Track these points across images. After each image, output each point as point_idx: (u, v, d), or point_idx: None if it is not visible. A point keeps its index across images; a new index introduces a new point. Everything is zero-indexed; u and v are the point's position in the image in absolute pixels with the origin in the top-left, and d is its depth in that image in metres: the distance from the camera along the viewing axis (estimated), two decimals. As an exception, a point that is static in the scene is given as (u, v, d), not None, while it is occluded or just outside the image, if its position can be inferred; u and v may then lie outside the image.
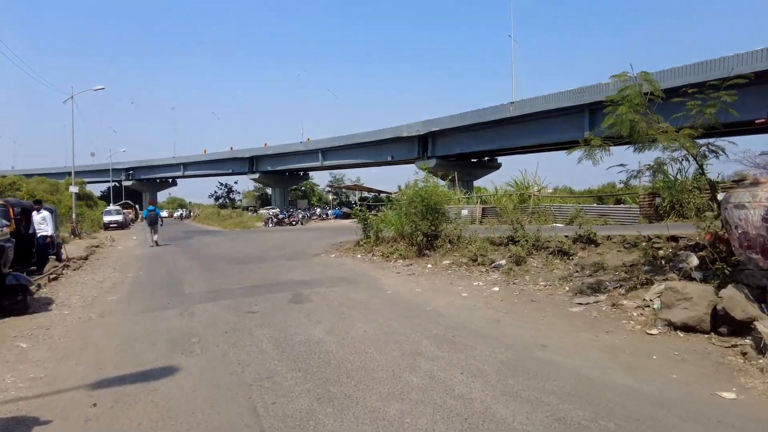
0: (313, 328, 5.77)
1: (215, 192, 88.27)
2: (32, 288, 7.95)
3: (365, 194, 46.28)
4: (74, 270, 11.64)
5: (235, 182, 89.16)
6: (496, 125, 38.58)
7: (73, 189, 27.84)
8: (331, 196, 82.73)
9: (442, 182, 16.21)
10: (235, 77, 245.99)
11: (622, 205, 17.54)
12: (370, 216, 14.22)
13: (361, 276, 9.74)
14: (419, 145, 45.85)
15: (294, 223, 36.54)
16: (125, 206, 51.66)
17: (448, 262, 10.60)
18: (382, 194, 42.34)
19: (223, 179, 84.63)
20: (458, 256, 10.84)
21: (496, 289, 8.01)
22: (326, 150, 56.12)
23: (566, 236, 9.92)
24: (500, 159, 48.65)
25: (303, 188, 79.73)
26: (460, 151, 43.12)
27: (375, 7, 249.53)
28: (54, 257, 13.80)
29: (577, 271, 8.63)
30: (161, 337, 5.55)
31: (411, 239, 12.19)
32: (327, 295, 7.75)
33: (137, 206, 63.49)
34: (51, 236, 11.18)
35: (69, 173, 63.76)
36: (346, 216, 36.73)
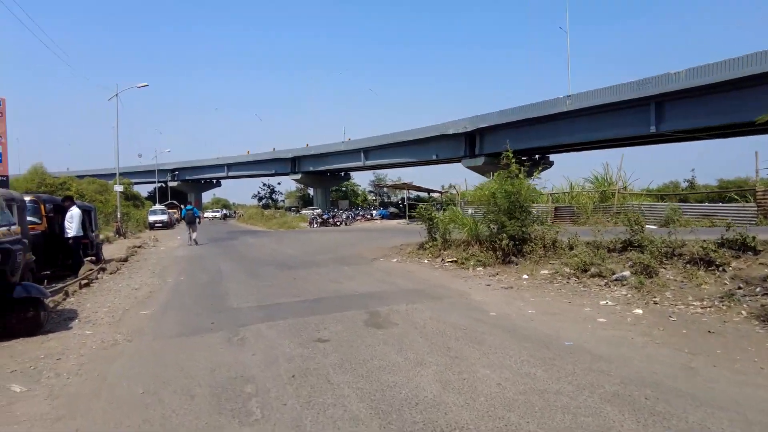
0: (415, 373, 3.96)
1: (258, 192, 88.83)
2: (48, 301, 6.54)
3: (407, 194, 44.37)
4: (110, 274, 10.36)
5: (278, 183, 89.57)
6: (549, 120, 35.88)
7: (118, 188, 27.40)
8: (371, 196, 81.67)
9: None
10: (277, 77, 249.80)
11: (732, 204, 14.97)
12: (438, 216, 12.33)
13: (442, 288, 7.88)
14: (466, 143, 43.51)
15: (338, 223, 35.21)
16: (170, 206, 51.97)
17: (547, 272, 8.59)
18: (431, 193, 40.27)
19: (266, 180, 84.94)
20: (558, 264, 8.81)
21: (639, 311, 5.98)
22: (368, 149, 54.62)
23: (704, 240, 7.76)
24: (552, 156, 45.74)
25: (344, 188, 78.86)
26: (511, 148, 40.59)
27: (414, 6, 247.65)
28: (93, 258, 12.69)
29: (740, 287, 6.48)
30: (202, 383, 3.88)
31: (491, 243, 10.24)
32: (412, 316, 5.94)
33: (182, 206, 63.97)
34: (76, 237, 9.90)
35: (120, 173, 65.47)
36: (393, 216, 35.09)
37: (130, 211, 41.69)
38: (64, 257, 10.15)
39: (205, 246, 18.47)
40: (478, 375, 3.91)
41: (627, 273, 7.59)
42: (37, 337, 5.32)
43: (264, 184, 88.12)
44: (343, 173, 70.25)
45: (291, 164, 64.16)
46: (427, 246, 12.08)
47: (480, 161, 42.53)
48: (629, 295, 6.83)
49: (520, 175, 10.24)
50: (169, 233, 30.82)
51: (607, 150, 41.86)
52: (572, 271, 8.26)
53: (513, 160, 10.33)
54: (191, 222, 19.66)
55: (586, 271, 8.03)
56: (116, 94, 26.78)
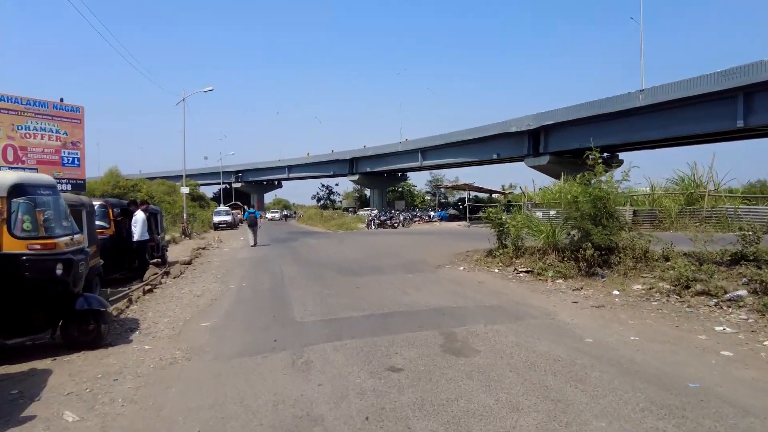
0: (512, 422, 3.25)
1: (317, 193, 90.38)
2: (112, 308, 6.40)
3: (467, 195, 43.12)
4: (174, 278, 10.35)
5: (336, 184, 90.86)
6: (620, 116, 33.67)
7: (184, 190, 28.37)
8: (428, 197, 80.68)
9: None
10: (336, 80, 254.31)
11: None
12: (509, 220, 11.41)
13: (522, 305, 7.06)
14: (529, 141, 41.72)
15: (396, 225, 34.72)
16: (234, 207, 53.61)
17: (640, 287, 7.54)
18: (492, 194, 38.91)
19: (325, 181, 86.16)
20: (653, 279, 7.73)
21: (774, 344, 4.92)
22: (426, 149, 53.82)
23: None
24: (621, 155, 42.82)
25: (400, 189, 78.41)
26: (578, 146, 38.17)
27: (472, 7, 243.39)
28: (158, 261, 12.89)
29: None
30: (264, 421, 3.37)
31: (572, 252, 9.24)
32: (494, 341, 5.20)
33: (245, 207, 66.09)
34: (141, 241, 9.97)
35: (186, 175, 68.67)
36: (452, 218, 34.10)
37: (195, 212, 43.40)
38: (131, 260, 10.27)
39: (267, 247, 18.53)
40: (590, 429, 3.15)
41: (743, 292, 6.43)
42: (97, 351, 5.09)
43: (323, 185, 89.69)
44: (399, 174, 69.84)
45: (349, 165, 64.55)
46: (497, 253, 11.20)
47: (544, 160, 40.70)
48: (751, 321, 5.72)
49: (607, 177, 9.16)
50: (233, 234, 31.59)
51: (683, 147, 38.71)
52: (671, 287, 7.17)
53: (599, 161, 9.25)
54: (253, 224, 20.15)
55: (688, 287, 6.92)
56: (183, 99, 27.79)
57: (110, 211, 9.49)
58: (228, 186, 77.02)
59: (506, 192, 41.74)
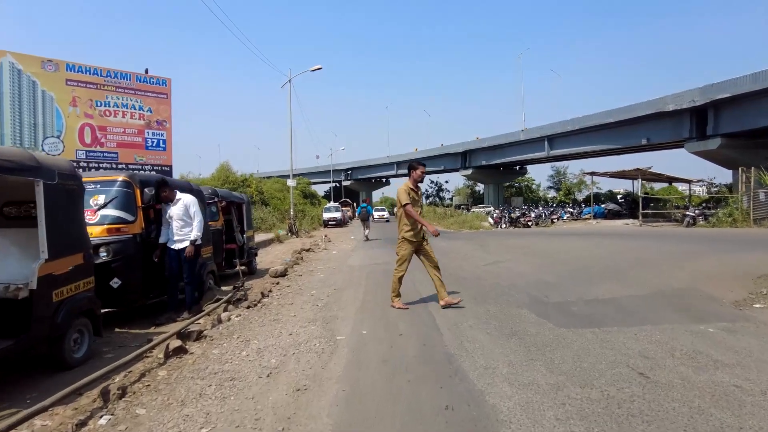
0: None
1: (426, 190, 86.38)
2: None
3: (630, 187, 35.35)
4: (248, 308, 6.11)
5: (446, 181, 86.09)
6: None
7: (291, 182, 25.47)
8: (551, 194, 72.58)
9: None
10: (446, 69, 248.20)
11: None
12: None
13: None
14: (692, 122, 32.76)
15: (529, 223, 28.77)
16: (344, 204, 51.55)
17: None
18: (673, 183, 31.07)
19: (434, 177, 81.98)
20: None
21: None
22: (552, 137, 46.45)
23: None
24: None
25: (516, 184, 71.42)
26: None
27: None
28: (244, 269, 9.03)
29: None
30: None
31: None
32: None
33: (354, 204, 64.52)
34: (188, 248, 5.80)
35: (299, 174, 68.98)
36: (613, 215, 27.19)
37: (306, 209, 41.40)
38: (166, 278, 6.12)
39: (386, 249, 14.19)
40: None
41: None
42: None
43: (432, 182, 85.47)
44: (518, 167, 62.97)
45: (461, 159, 59.29)
46: None
47: (714, 143, 31.59)
48: None
49: None
50: (343, 231, 28.16)
51: None
52: None
53: None
54: (365, 219, 20.53)
55: None
56: (289, 80, 24.78)
57: (137, 190, 5.51)
58: (338, 184, 76.67)
59: (702, 181, 33.04)
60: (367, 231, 20.13)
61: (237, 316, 5.56)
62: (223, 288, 7.80)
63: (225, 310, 5.91)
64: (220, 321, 5.32)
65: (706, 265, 7.80)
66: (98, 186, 5.50)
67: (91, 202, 5.34)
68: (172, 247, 5.84)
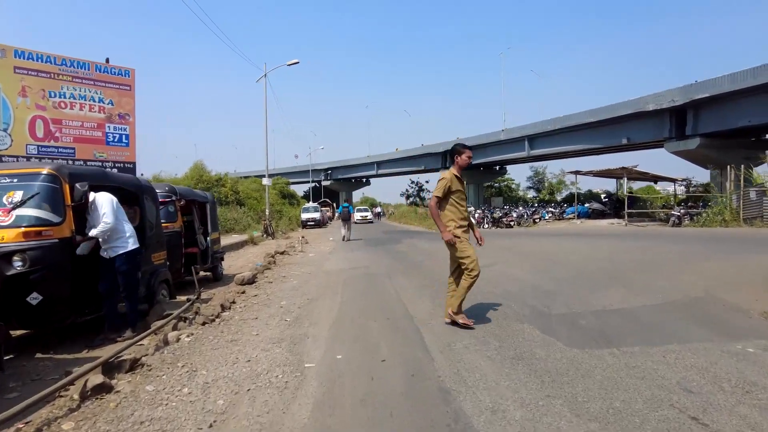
0: None
1: (406, 190, 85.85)
2: None
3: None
4: (205, 324, 5.20)
5: (426, 181, 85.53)
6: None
7: (267, 181, 24.40)
8: (531, 194, 72.86)
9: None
10: (427, 69, 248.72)
11: None
12: None
13: None
14: (672, 121, 32.89)
15: (512, 224, 28.34)
16: (323, 204, 50.49)
17: None
18: (658, 182, 31.06)
19: (415, 177, 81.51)
20: None
21: None
22: (533, 137, 46.54)
23: None
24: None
25: (496, 185, 71.54)
26: (748, 122, 28.98)
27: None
28: (208, 275, 8.12)
29: None
30: None
31: None
32: None
33: (334, 204, 63.66)
34: (128, 253, 4.83)
35: (277, 174, 67.60)
36: (597, 215, 26.83)
37: (284, 209, 40.26)
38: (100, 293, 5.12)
39: (364, 251, 13.36)
40: None
41: None
42: None
43: (412, 182, 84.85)
44: (497, 167, 63.02)
45: (442, 159, 58.89)
46: None
47: (693, 143, 31.76)
48: None
49: None
50: (321, 233, 27.20)
51: None
52: None
53: None
54: (346, 219, 19.79)
55: None
56: (264, 74, 23.71)
57: (65, 186, 4.56)
58: (318, 184, 75.53)
59: (684, 181, 33.12)
60: (346, 231, 19.54)
61: (188, 336, 4.65)
62: (180, 298, 6.84)
63: (175, 328, 4.98)
64: (166, 342, 4.42)
65: (716, 269, 7.18)
66: (15, 180, 4.54)
67: (4, 199, 4.40)
68: (103, 255, 4.90)
